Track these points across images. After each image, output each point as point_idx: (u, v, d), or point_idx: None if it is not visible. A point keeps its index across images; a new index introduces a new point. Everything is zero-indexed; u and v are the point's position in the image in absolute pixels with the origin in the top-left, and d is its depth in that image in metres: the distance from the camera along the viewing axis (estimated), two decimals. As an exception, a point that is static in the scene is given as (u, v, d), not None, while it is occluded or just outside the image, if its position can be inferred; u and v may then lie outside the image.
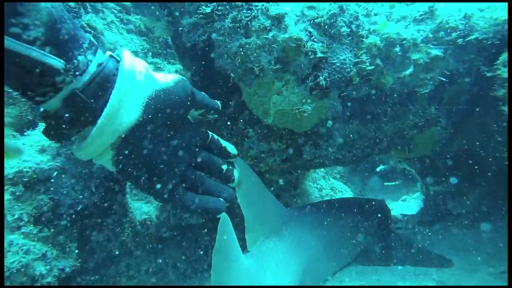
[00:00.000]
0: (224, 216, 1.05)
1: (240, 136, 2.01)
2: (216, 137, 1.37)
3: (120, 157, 0.98)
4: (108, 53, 1.00)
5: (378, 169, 4.94)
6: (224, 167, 1.35)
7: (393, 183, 5.00)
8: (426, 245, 2.50)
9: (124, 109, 0.93)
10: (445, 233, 2.74)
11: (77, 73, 0.90)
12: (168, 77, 1.11)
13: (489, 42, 1.82)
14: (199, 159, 1.26)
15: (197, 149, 1.27)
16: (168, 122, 1.08)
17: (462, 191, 2.76)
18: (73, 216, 1.65)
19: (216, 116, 1.37)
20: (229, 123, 2.02)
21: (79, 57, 0.89)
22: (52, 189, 1.69)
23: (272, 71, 1.78)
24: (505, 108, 1.58)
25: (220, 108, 1.36)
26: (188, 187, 1.19)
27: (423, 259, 2.24)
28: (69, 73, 0.88)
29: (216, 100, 1.36)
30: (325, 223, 2.17)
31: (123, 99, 0.92)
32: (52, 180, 1.70)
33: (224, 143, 1.40)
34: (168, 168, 1.09)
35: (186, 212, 1.27)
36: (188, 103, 1.15)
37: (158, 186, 1.08)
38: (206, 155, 1.30)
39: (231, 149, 1.42)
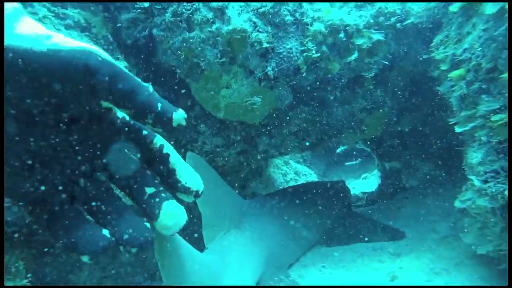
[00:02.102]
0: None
1: (193, 132, 1.98)
2: (168, 151, 0.88)
3: None
4: None
5: (338, 150, 5.11)
6: (150, 190, 0.85)
7: (354, 162, 5.21)
8: (383, 220, 2.63)
9: None
10: (400, 207, 2.90)
11: None
12: (56, 39, 0.71)
13: (423, 26, 1.90)
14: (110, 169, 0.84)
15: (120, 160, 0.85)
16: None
17: (413, 166, 2.93)
18: (16, 235, 1.54)
19: (161, 129, 0.81)
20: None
21: None
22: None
23: (219, 65, 1.75)
24: (440, 88, 1.67)
25: (175, 119, 0.79)
26: (80, 202, 0.83)
27: (380, 234, 2.36)
28: None
29: (178, 109, 0.81)
30: (285, 211, 2.21)
31: None
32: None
33: (181, 166, 0.88)
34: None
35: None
36: (79, 84, 0.73)
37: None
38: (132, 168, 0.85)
39: (193, 182, 0.88)
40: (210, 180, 1.77)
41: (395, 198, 3.14)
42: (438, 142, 2.47)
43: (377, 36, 1.89)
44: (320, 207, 2.52)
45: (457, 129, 1.51)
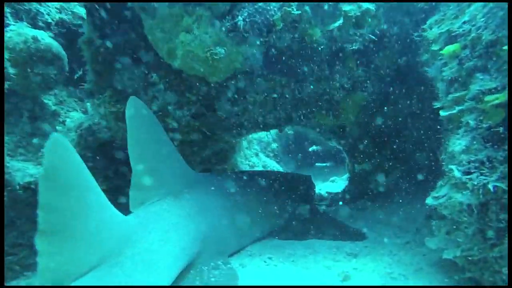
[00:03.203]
0: (53, 135, 0.71)
1: (143, 82, 1.68)
2: None
3: None
4: None
5: (310, 149, 4.93)
6: None
7: (324, 164, 5.04)
8: (346, 220, 2.44)
9: None
10: (366, 209, 2.72)
11: None
12: None
13: (419, 5, 1.71)
14: None
15: None
16: None
17: (385, 169, 2.75)
18: None
19: None
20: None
21: None
22: None
23: (182, 2, 1.47)
24: (429, 70, 1.47)
25: None
26: None
27: (338, 233, 2.16)
28: None
29: None
30: (240, 195, 1.95)
31: None
32: None
33: None
34: None
35: None
36: None
37: None
38: None
39: None
40: (153, 134, 1.49)
41: (362, 200, 2.96)
42: (421, 139, 2.29)
43: (367, 5, 1.67)
44: (280, 197, 2.29)
45: (442, 114, 1.31)
